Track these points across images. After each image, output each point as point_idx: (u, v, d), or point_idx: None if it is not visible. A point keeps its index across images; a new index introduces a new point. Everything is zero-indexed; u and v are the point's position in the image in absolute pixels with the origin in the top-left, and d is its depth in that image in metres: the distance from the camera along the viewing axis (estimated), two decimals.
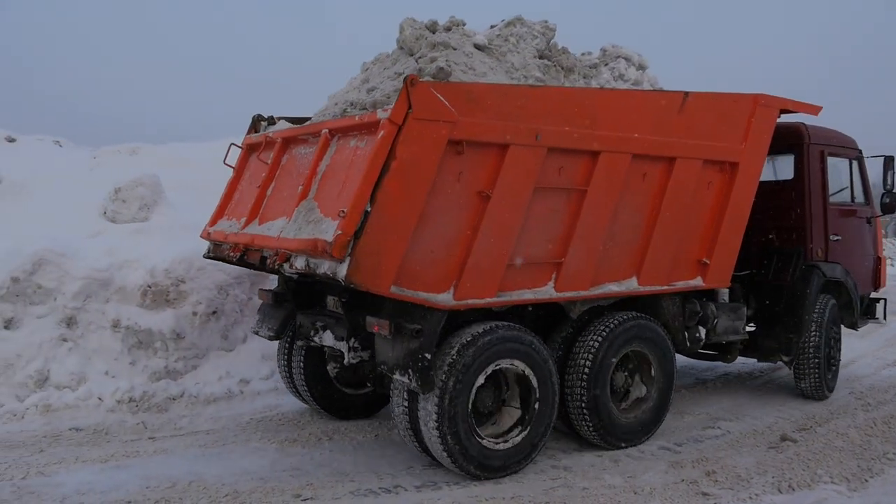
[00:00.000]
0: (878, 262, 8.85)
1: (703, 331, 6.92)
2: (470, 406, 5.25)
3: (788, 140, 7.78)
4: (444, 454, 5.20)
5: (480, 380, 5.30)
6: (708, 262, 6.65)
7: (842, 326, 8.37)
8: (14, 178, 9.70)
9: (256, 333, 6.85)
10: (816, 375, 7.65)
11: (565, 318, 6.07)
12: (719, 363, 8.61)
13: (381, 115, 4.77)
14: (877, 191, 8.69)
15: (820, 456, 6.00)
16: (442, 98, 4.82)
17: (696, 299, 6.90)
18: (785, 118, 7.50)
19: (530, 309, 6.00)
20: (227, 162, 6.70)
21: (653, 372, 6.42)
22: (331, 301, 6.20)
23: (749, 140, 6.74)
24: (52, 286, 7.29)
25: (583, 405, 5.92)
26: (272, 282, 7.68)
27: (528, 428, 5.58)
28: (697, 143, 6.35)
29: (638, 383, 6.47)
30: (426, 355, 5.00)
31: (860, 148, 8.51)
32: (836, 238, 7.96)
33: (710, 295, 7.09)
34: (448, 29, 6.40)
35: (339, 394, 6.92)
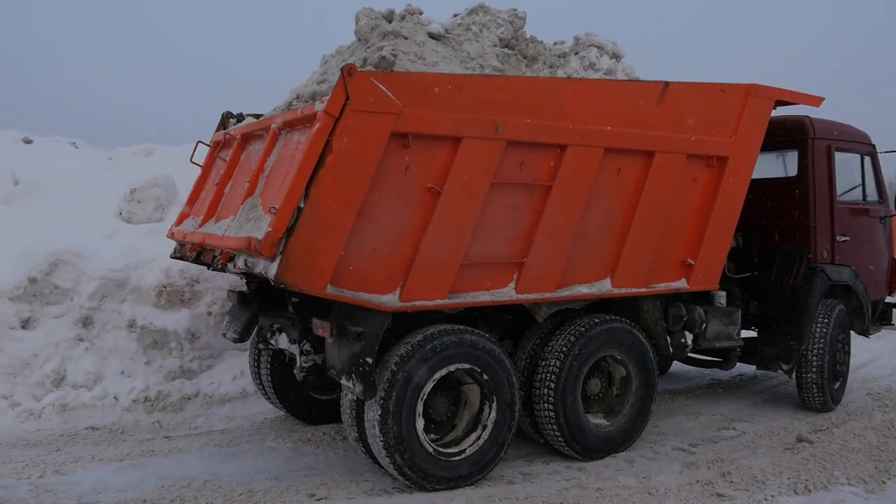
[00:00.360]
0: (893, 265, 8.35)
1: (689, 336, 6.56)
2: (418, 413, 5.00)
3: (792, 134, 7.40)
4: (390, 463, 4.97)
5: (429, 386, 5.04)
6: (693, 263, 6.23)
7: (853, 333, 7.92)
8: (31, 179, 9.78)
9: (224, 336, 6.61)
10: (819, 386, 7.17)
11: (535, 323, 5.77)
12: None
13: (319, 106, 4.54)
14: (893, 189, 8.40)
15: (836, 457, 5.95)
16: (384, 89, 4.55)
17: (681, 302, 6.51)
18: (789, 111, 7.25)
19: (490, 312, 5.68)
20: (193, 160, 6.57)
21: (631, 379, 6.07)
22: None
23: (740, 133, 6.32)
24: (69, 286, 7.35)
25: (550, 413, 5.61)
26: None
27: (485, 437, 5.29)
28: (680, 137, 5.97)
29: (615, 391, 6.16)
30: (367, 360, 4.76)
31: (873, 143, 8.01)
32: (843, 239, 7.49)
33: (706, 298, 6.76)
34: (404, 18, 6.19)
35: (308, 398, 6.67)
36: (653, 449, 6.20)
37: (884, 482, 5.44)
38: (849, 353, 7.73)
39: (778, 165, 7.64)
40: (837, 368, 7.44)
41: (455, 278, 5.02)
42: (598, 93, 5.64)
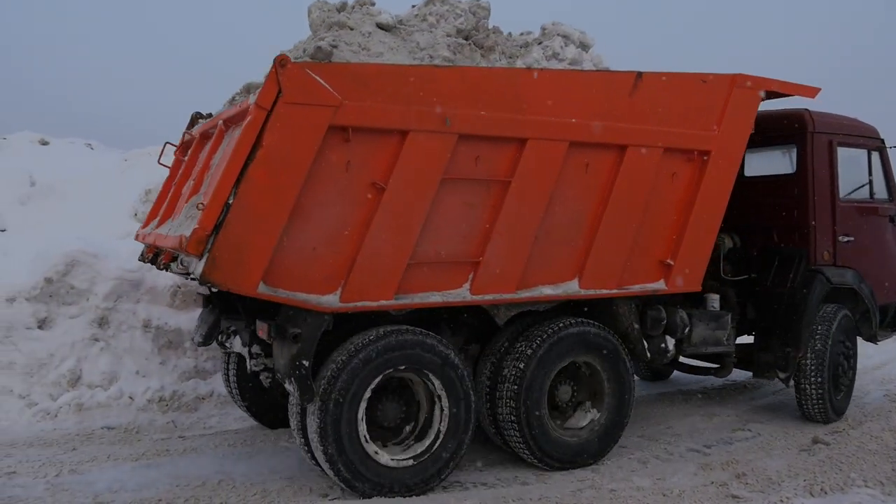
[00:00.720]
0: None
1: (670, 341, 6.21)
2: (360, 418, 4.78)
3: (790, 129, 6.95)
4: (331, 470, 4.78)
5: (369, 391, 4.81)
6: (672, 263, 5.86)
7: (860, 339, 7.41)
8: (47, 180, 9.88)
9: (192, 340, 6.39)
10: (819, 396, 6.70)
11: (499, 326, 5.51)
12: None
13: (251, 99, 4.36)
14: None
15: (853, 459, 5.89)
16: (321, 80, 4.34)
17: (660, 305, 6.15)
18: (790, 105, 6.97)
19: (453, 314, 5.44)
20: (161, 162, 6.37)
21: (604, 386, 5.76)
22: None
23: (724, 126, 5.95)
24: (85, 287, 7.41)
25: (513, 421, 5.34)
26: None
27: (435, 444, 5.06)
28: (655, 130, 5.63)
29: (587, 398, 5.86)
30: (304, 362, 4.60)
31: (882, 137, 7.46)
32: (847, 239, 6.98)
33: (699, 301, 6.49)
34: (353, 9, 6.07)
35: (274, 404, 6.46)
36: (667, 450, 6.17)
37: None
38: (854, 362, 7.23)
39: (784, 162, 7.19)
40: (840, 378, 6.98)
41: (402, 278, 4.77)
42: (560, 84, 5.35)
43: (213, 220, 4.18)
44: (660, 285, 5.90)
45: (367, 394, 4.83)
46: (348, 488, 4.86)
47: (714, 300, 6.61)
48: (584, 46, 7.07)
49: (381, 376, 4.85)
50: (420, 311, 5.18)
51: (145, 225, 6.37)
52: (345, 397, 4.71)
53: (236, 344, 5.64)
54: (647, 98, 5.61)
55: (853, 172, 7.20)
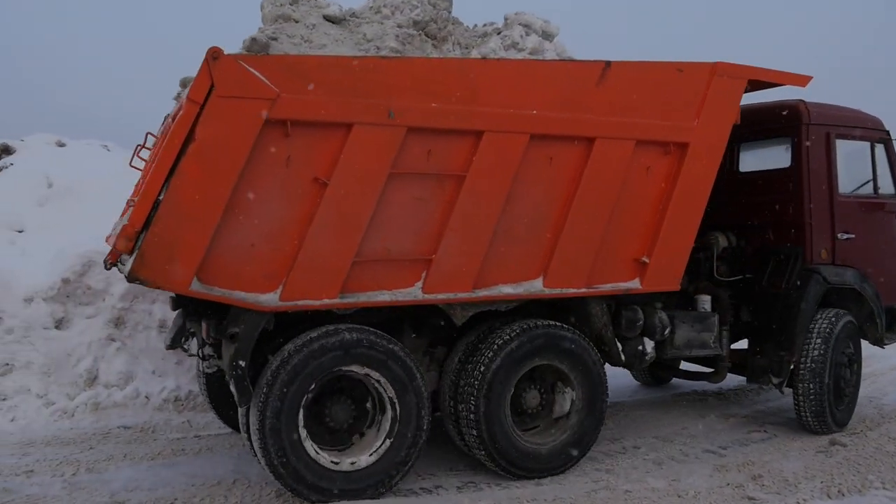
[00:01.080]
0: None
1: (649, 344, 5.94)
2: (300, 420, 4.62)
3: (784, 121, 6.62)
4: (271, 473, 4.65)
5: (309, 393, 4.66)
6: (647, 260, 5.59)
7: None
8: (64, 181, 9.95)
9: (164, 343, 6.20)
10: (816, 404, 6.35)
11: (463, 328, 5.30)
12: None
13: (183, 93, 4.29)
14: None
15: (871, 461, 5.84)
16: (256, 72, 4.21)
17: (636, 305, 5.87)
18: (787, 97, 6.71)
19: (415, 315, 5.24)
20: (132, 164, 6.30)
21: (573, 391, 5.50)
22: None
23: (703, 117, 5.66)
24: (101, 287, 7.47)
25: (472, 427, 5.13)
26: None
27: (384, 448, 4.87)
28: (626, 122, 5.37)
29: (556, 403, 5.59)
30: (241, 363, 4.47)
31: (887, 129, 7.05)
32: (846, 237, 6.61)
33: (689, 303, 6.29)
34: (298, 2, 5.99)
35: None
36: (682, 451, 6.14)
37: None
38: (859, 369, 6.86)
39: (780, 156, 6.81)
40: (842, 386, 6.58)
41: (347, 276, 4.61)
42: (518, 74, 5.14)
43: (143, 216, 4.09)
44: (634, 284, 5.65)
45: (308, 395, 4.68)
46: (288, 489, 4.70)
47: (705, 301, 6.39)
48: (548, 36, 6.87)
49: (326, 375, 4.73)
50: (379, 312, 5.02)
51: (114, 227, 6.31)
52: (285, 398, 4.56)
53: (193, 346, 5.54)
54: (617, 88, 5.37)
55: (857, 167, 6.86)
